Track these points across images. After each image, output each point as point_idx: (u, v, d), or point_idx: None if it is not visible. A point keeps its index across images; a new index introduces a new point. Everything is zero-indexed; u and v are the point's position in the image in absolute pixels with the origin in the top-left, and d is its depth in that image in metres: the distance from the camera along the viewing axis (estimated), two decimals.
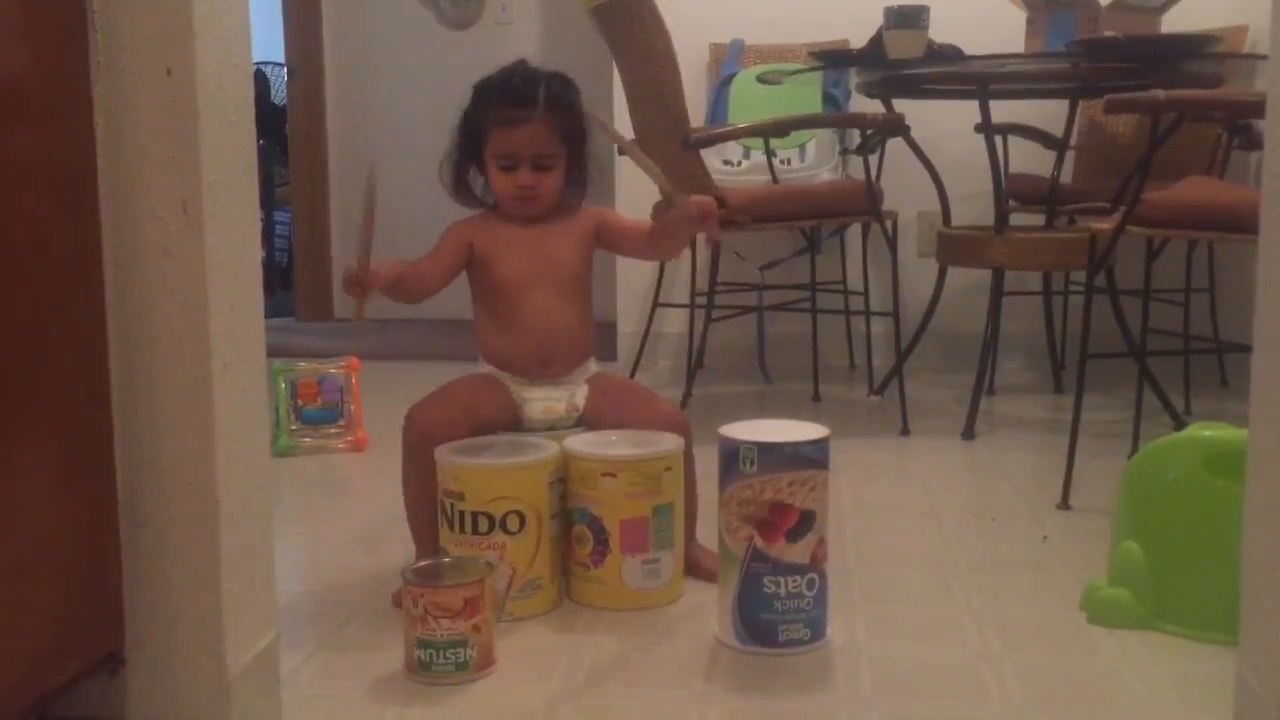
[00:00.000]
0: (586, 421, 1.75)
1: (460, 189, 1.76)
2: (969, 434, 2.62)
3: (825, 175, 3.28)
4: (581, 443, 1.65)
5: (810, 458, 1.46)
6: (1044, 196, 2.96)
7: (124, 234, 1.13)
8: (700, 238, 2.63)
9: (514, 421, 1.73)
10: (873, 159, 2.90)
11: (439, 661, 1.40)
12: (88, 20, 1.09)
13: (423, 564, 1.51)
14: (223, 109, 1.15)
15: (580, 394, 1.75)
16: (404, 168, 4.62)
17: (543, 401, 1.73)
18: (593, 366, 1.80)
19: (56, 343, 1.07)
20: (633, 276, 3.48)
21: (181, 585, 1.17)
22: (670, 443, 1.65)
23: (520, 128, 1.67)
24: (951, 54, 2.70)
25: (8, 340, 1.00)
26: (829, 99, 3.36)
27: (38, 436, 1.04)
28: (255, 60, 1.24)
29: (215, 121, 1.13)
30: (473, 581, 1.42)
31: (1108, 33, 2.63)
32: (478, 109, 1.71)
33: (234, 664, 1.19)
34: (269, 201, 5.10)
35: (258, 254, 1.24)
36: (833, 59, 3.04)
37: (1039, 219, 3.00)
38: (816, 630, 1.49)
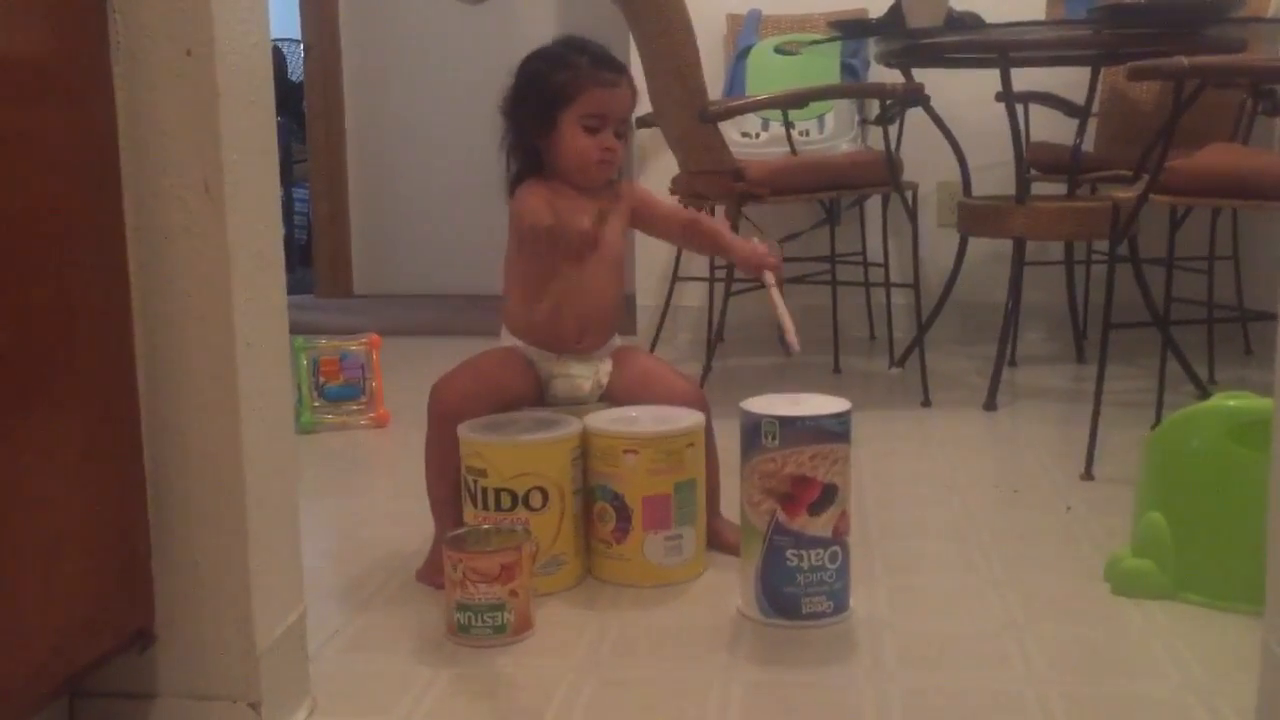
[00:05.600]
0: (609, 397, 1.75)
1: (531, 167, 1.72)
2: (991, 405, 2.61)
3: (844, 146, 3.26)
4: (603, 419, 1.66)
5: (832, 431, 1.46)
6: (1065, 165, 2.93)
7: (146, 214, 1.13)
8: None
9: (538, 397, 1.73)
10: (892, 129, 2.88)
11: (477, 624, 1.43)
12: (107, 2, 1.09)
13: (462, 530, 1.54)
14: (243, 88, 1.15)
15: (605, 370, 1.75)
16: (421, 142, 4.64)
17: (569, 378, 1.73)
18: (616, 340, 1.80)
19: (81, 323, 1.07)
20: (652, 250, 3.47)
21: (209, 562, 1.18)
22: (692, 419, 1.65)
23: (616, 90, 1.69)
24: (972, 22, 2.68)
25: (33, 321, 1.01)
26: (847, 69, 3.33)
27: (64, 416, 1.05)
28: (272, 37, 1.24)
29: (235, 101, 1.13)
30: (510, 548, 1.45)
31: None
32: (563, 70, 1.67)
33: (262, 639, 1.20)
34: (287, 178, 5.11)
35: (279, 232, 1.24)
36: (851, 29, 3.02)
37: (1060, 188, 2.98)
38: (839, 602, 1.50)
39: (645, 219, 1.82)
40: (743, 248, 1.80)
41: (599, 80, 1.68)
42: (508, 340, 1.76)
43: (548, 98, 1.68)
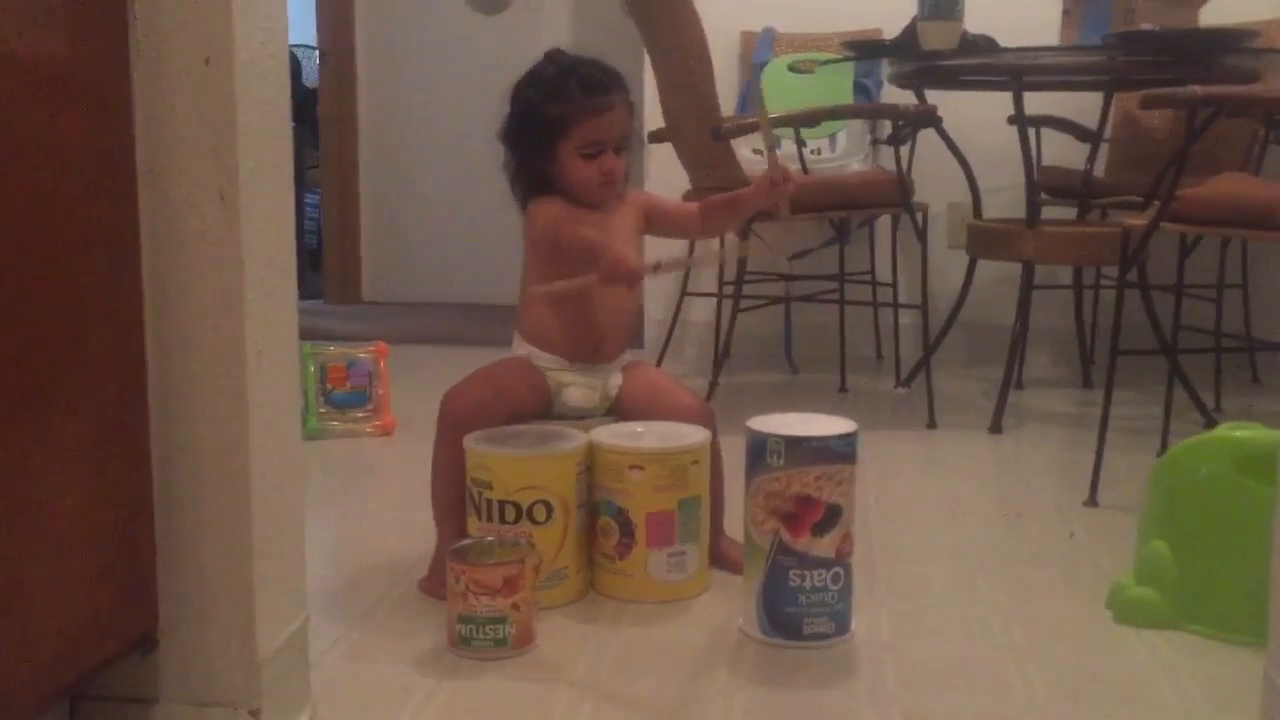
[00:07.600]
0: (617, 410, 1.75)
1: (539, 187, 1.72)
2: (996, 428, 2.61)
3: (856, 166, 3.27)
4: (609, 434, 1.66)
5: (838, 452, 1.46)
6: (1076, 190, 2.94)
7: (162, 221, 1.14)
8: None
9: (546, 407, 1.73)
10: (904, 150, 2.89)
11: (479, 637, 1.44)
12: (127, 8, 1.10)
13: (466, 542, 1.54)
14: (260, 98, 1.15)
15: (614, 382, 1.76)
16: (433, 150, 4.66)
17: (580, 389, 1.73)
18: (627, 354, 1.81)
19: (94, 328, 1.08)
20: None
21: (214, 568, 1.18)
22: (697, 436, 1.65)
23: (609, 114, 1.68)
24: (986, 45, 2.68)
25: (46, 325, 1.01)
26: (860, 89, 3.34)
27: (75, 420, 1.05)
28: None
29: (253, 110, 1.14)
30: (512, 561, 1.45)
31: (1144, 25, 2.61)
32: (555, 102, 1.67)
33: (265, 646, 1.20)
34: (299, 184, 5.08)
35: (293, 242, 1.25)
36: (865, 49, 3.03)
37: (1071, 213, 2.98)
38: (840, 624, 1.50)
39: (660, 222, 1.81)
40: (756, 192, 1.71)
41: (590, 109, 1.67)
42: (520, 349, 1.76)
43: (543, 130, 1.68)
